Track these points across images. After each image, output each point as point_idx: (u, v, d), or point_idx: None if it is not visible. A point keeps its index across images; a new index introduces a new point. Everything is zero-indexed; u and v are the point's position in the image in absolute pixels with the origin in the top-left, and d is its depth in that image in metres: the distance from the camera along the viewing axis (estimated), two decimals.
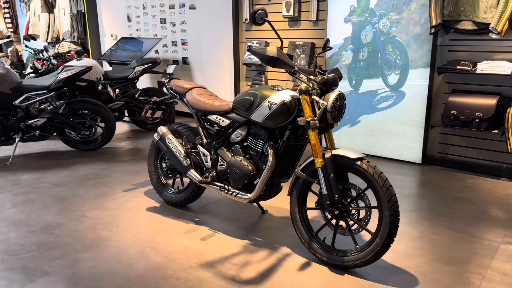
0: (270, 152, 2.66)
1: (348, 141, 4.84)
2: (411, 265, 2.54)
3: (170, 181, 3.48)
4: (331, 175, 2.43)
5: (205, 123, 3.05)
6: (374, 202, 2.49)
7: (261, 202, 3.38)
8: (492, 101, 3.77)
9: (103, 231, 2.97)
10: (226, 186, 2.90)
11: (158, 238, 2.88)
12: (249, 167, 2.75)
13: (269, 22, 2.50)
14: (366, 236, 2.85)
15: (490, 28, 3.62)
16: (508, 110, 3.77)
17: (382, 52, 4.48)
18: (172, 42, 6.97)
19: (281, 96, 2.61)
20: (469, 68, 3.88)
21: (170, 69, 6.37)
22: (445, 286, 2.32)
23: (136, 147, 5.16)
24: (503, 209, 3.32)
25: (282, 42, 2.58)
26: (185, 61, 6.86)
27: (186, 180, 3.42)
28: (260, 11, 2.45)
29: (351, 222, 2.51)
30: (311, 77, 2.57)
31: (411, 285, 2.34)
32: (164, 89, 3.34)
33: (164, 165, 3.33)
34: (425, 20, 4.14)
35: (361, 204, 2.55)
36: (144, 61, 5.72)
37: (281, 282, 2.37)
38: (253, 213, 3.27)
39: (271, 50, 2.41)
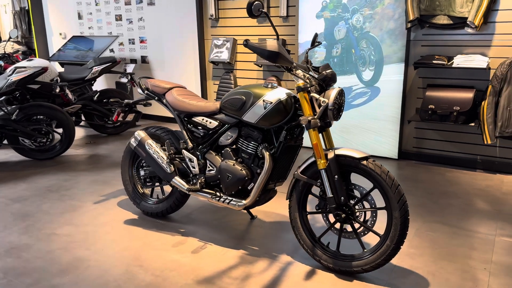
0: (266, 154, 2.48)
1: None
2: (417, 265, 2.46)
3: (148, 190, 3.20)
4: (336, 176, 2.29)
5: (190, 126, 2.81)
6: (379, 203, 2.39)
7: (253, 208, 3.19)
8: (469, 95, 3.82)
9: (79, 250, 2.65)
10: (218, 193, 2.68)
11: (144, 254, 2.61)
12: (243, 171, 2.55)
13: (266, 14, 2.32)
14: (370, 238, 2.75)
15: (467, 22, 3.66)
16: (482, 103, 3.84)
17: (356, 48, 4.44)
18: (129, 40, 6.57)
19: (277, 94, 2.44)
20: (445, 62, 3.91)
21: (130, 68, 5.99)
22: (456, 285, 2.26)
23: (97, 154, 4.77)
24: (487, 201, 3.36)
25: (278, 37, 2.41)
26: (144, 60, 6.49)
27: (167, 189, 3.16)
28: (256, 2, 2.27)
29: (356, 225, 2.39)
30: (311, 73, 2.41)
31: (423, 287, 2.25)
32: (139, 90, 3.05)
33: (142, 172, 3.04)
34: (399, 15, 4.14)
35: (366, 205, 2.44)
36: (102, 61, 5.32)
37: None
38: (242, 220, 3.07)
39: (272, 44, 2.24)
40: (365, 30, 4.34)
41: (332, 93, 2.33)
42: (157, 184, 3.05)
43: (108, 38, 6.40)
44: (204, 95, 5.85)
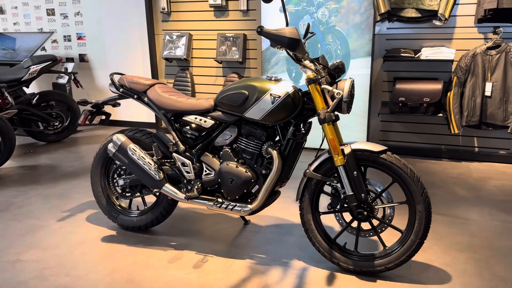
0: (274, 153, 2.27)
1: None
2: (430, 257, 2.42)
3: (125, 202, 2.83)
4: (355, 172, 2.16)
5: (180, 126, 2.51)
6: (395, 198, 2.29)
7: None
8: (438, 86, 3.93)
9: (58, 278, 2.23)
10: (219, 199, 2.42)
11: (138, 275, 2.27)
12: (249, 173, 2.32)
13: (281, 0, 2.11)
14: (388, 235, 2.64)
15: (438, 14, 3.75)
16: (448, 94, 3.98)
17: (322, 43, 4.38)
18: (65, 36, 5.94)
19: (284, 87, 2.25)
20: (412, 55, 3.98)
21: (71, 67, 5.40)
22: (476, 274, 2.24)
23: (42, 165, 4.20)
24: (465, 188, 3.46)
25: (287, 24, 2.21)
26: (82, 58, 5.90)
27: (150, 199, 2.82)
28: None
29: (375, 222, 2.28)
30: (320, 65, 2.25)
31: (446, 279, 2.20)
32: (112, 88, 2.68)
33: (121, 182, 2.66)
34: (365, 8, 4.14)
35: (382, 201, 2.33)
36: (41, 59, 4.71)
37: None
38: (235, 226, 2.84)
39: (292, 31, 2.04)
40: (331, 24, 4.30)
41: (346, 84, 2.20)
42: (137, 194, 2.70)
43: (40, 35, 5.71)
44: None
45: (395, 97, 4.04)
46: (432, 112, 3.98)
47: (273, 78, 2.32)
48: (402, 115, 4.17)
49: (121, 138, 2.55)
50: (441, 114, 4.01)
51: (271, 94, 2.23)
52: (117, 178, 2.69)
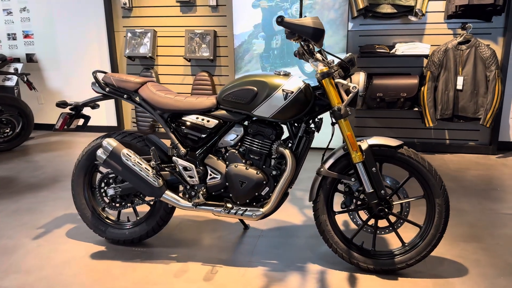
0: (287, 152, 2.15)
1: None
2: (441, 251, 2.42)
3: (111, 214, 2.57)
4: (373, 169, 2.09)
5: (179, 127, 2.31)
6: (411, 193, 2.26)
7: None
8: (414, 81, 4.00)
9: None
10: (228, 204, 2.24)
11: None
12: (260, 175, 2.18)
13: None
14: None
15: (416, 10, 3.81)
16: (422, 88, 4.07)
17: None
18: (9, 35, 5.39)
19: (296, 82, 2.13)
20: (387, 51, 4.03)
21: (20, 67, 4.90)
22: (490, 265, 2.27)
23: None
24: (447, 179, 3.54)
25: (301, 16, 2.09)
26: (30, 58, 5.39)
27: (142, 209, 2.58)
28: None
29: (392, 219, 2.22)
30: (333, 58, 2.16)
31: (463, 271, 2.20)
32: (96, 88, 2.40)
33: (111, 192, 2.39)
34: (339, 5, 4.13)
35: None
36: None
37: None
38: (234, 232, 2.67)
39: (316, 21, 1.93)
40: None
41: (360, 77, 2.12)
42: (128, 205, 2.45)
43: None
44: None
45: (373, 92, 4.07)
46: (408, 107, 4.06)
47: (281, 73, 2.20)
48: (379, 110, 4.21)
49: (112, 142, 2.29)
50: (416, 109, 4.10)
51: (283, 90, 2.11)
52: (105, 188, 2.42)
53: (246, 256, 2.38)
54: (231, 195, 2.24)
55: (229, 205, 2.24)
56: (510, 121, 4.27)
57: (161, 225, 2.46)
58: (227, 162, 2.26)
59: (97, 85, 2.40)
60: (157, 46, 4.84)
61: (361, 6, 3.87)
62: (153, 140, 2.44)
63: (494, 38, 4.06)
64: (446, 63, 3.97)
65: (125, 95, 2.36)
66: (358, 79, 2.12)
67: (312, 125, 2.26)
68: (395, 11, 3.95)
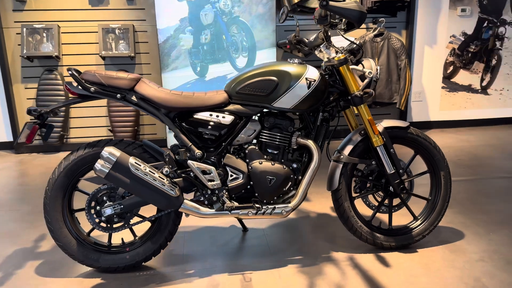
0: (311, 143, 2.10)
1: None
2: (444, 219, 2.62)
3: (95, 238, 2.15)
4: (392, 150, 2.19)
5: (191, 127, 2.04)
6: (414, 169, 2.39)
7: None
8: None
9: None
10: (257, 205, 2.08)
11: None
12: (287, 169, 2.09)
13: None
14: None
15: None
16: None
17: (227, 34, 4.20)
18: None
19: (314, 69, 2.10)
20: None
21: None
22: (474, 224, 2.57)
23: None
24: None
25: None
26: None
27: (139, 228, 2.19)
28: None
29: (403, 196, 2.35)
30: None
31: (460, 234, 2.45)
32: (75, 89, 1.96)
33: (108, 211, 1.99)
34: None
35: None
36: None
37: (398, 285, 1.97)
38: (236, 236, 2.50)
39: (360, 5, 1.91)
40: (235, 14, 4.17)
41: (372, 63, 2.20)
42: (126, 225, 2.07)
43: None
44: (11, 103, 4.23)
45: None
46: None
47: (295, 61, 2.13)
48: None
49: (115, 152, 1.90)
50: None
51: (306, 78, 2.04)
52: (99, 208, 2.01)
53: (267, 258, 2.24)
54: (257, 194, 2.08)
55: (258, 205, 2.08)
56: (412, 104, 4.90)
57: (169, 240, 2.15)
58: (247, 160, 2.09)
59: (76, 84, 1.97)
60: (62, 44, 4.17)
61: (296, 0, 3.96)
62: (150, 146, 2.11)
63: (399, 31, 4.60)
64: (365, 54, 4.35)
65: (118, 95, 1.99)
66: (370, 65, 2.19)
67: (326, 114, 2.23)
68: None
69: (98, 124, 4.36)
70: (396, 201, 2.31)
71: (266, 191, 2.07)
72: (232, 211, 2.04)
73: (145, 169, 1.92)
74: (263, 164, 2.06)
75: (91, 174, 1.97)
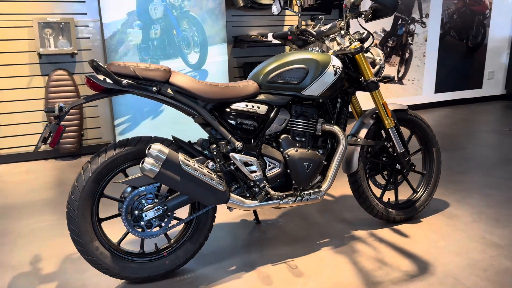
0: (336, 129, 2.19)
1: (155, 134, 4.09)
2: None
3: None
4: (400, 130, 2.40)
5: (229, 118, 1.97)
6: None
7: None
8: None
9: None
10: (297, 192, 2.09)
11: None
12: (320, 155, 2.15)
13: None
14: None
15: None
16: None
17: (178, 29, 4.05)
18: None
19: (336, 58, 2.20)
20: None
21: None
22: (458, 191, 2.93)
23: None
24: None
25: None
26: None
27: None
28: None
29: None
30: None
31: (447, 203, 2.77)
32: (103, 83, 1.75)
33: (151, 214, 1.81)
34: None
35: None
36: None
37: (426, 252, 2.18)
38: (252, 229, 2.48)
39: None
40: (185, 9, 4.04)
41: (379, 51, 2.38)
42: (171, 224, 1.92)
43: None
44: None
45: None
46: None
47: (315, 50, 2.21)
48: None
49: (163, 149, 1.75)
50: None
51: (333, 66, 2.13)
52: (139, 212, 1.83)
53: (298, 244, 2.27)
54: (294, 181, 2.10)
55: (298, 192, 2.10)
56: None
57: (207, 239, 2.05)
58: (281, 149, 2.10)
59: (103, 78, 1.75)
60: None
61: None
62: (181, 140, 1.99)
63: None
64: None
65: (154, 88, 1.83)
66: (378, 52, 2.36)
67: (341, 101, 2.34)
68: (271, 2, 4.26)
69: (33, 131, 3.84)
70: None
71: (304, 177, 2.10)
72: (285, 200, 2.03)
73: (194, 165, 1.81)
74: (299, 152, 2.09)
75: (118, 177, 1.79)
